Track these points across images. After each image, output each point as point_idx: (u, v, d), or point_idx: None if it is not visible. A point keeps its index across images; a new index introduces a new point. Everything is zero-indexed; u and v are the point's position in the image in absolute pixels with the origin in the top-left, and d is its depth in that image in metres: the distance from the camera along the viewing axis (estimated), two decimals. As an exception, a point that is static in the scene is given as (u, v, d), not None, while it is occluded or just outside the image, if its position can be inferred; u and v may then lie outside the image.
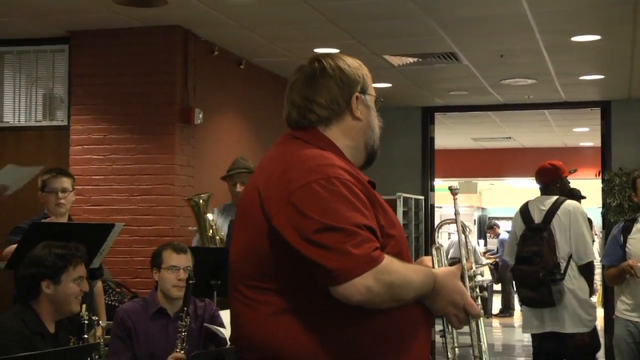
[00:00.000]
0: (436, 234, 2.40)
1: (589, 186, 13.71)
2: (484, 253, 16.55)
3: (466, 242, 2.28)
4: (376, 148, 2.26)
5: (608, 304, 9.38)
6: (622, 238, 5.35)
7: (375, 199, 2.07)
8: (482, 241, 20.16)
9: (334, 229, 1.92)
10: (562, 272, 5.29)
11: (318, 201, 1.96)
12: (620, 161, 9.58)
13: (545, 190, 5.58)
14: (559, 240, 5.35)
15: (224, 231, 5.37)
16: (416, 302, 2.06)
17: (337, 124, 2.19)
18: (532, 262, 5.30)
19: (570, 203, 5.48)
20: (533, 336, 5.58)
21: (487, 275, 15.95)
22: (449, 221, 2.41)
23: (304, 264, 1.96)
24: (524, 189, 21.02)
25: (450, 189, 2.33)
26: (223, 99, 7.47)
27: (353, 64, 2.25)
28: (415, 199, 10.18)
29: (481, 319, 2.14)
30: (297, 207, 1.96)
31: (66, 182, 4.71)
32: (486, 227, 19.78)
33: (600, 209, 10.07)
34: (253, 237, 2.06)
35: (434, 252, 2.23)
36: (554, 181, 5.57)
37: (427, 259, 2.26)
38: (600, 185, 10.00)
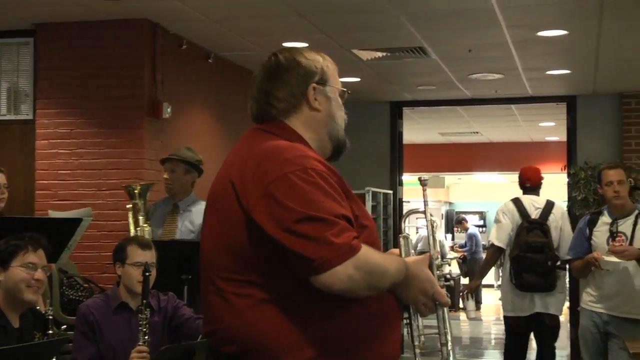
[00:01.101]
0: (403, 224, 2.49)
1: (555, 180, 13.86)
2: (452, 247, 16.68)
3: (433, 232, 2.32)
4: (342, 139, 2.27)
5: (573, 296, 9.48)
6: (588, 231, 5.43)
7: (349, 190, 2.11)
8: (449, 235, 20.29)
9: (314, 219, 1.95)
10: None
11: (296, 192, 1.98)
12: (586, 155, 9.68)
13: (533, 190, 6.37)
14: (553, 235, 6.11)
15: (157, 228, 5.32)
16: (388, 292, 2.10)
17: (296, 115, 2.21)
18: (542, 251, 6.02)
19: (560, 205, 6.37)
20: (516, 318, 6.16)
21: (455, 269, 16.08)
22: (416, 210, 2.45)
23: (283, 255, 1.97)
24: (491, 184, 21.19)
25: (420, 180, 2.36)
26: (192, 93, 7.44)
27: (311, 56, 2.26)
28: (383, 194, 10.22)
29: (446, 307, 2.19)
30: (275, 198, 1.98)
31: (4, 178, 4.67)
32: (454, 221, 19.92)
33: (566, 203, 10.17)
34: (229, 230, 2.07)
35: (401, 241, 2.27)
36: (540, 183, 6.43)
37: (396, 251, 2.29)
38: (566, 179, 10.11)
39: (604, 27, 6.78)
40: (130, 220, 5.23)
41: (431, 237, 2.29)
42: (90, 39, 6.69)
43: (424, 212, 2.35)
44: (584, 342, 5.48)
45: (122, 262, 3.98)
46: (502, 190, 21.80)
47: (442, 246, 14.37)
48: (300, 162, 2.03)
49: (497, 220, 6.30)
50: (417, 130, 13.30)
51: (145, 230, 5.22)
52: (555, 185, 8.74)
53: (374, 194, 9.82)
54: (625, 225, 5.28)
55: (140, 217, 5.24)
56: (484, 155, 15.60)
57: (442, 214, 22.32)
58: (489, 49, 7.60)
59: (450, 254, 15.81)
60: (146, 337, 3.69)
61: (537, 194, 6.37)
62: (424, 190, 2.34)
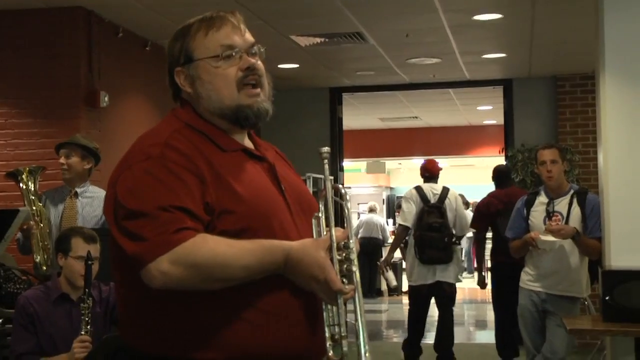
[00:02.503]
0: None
1: (493, 163, 14.01)
2: (393, 232, 16.79)
3: (344, 207, 2.05)
4: (231, 108, 2.08)
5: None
6: (525, 211, 5.53)
7: (214, 174, 1.97)
8: (390, 220, 20.43)
9: (136, 214, 1.90)
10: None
11: (128, 186, 1.95)
12: (523, 138, 9.84)
13: (432, 179, 7.59)
14: (449, 216, 7.26)
15: (53, 215, 5.27)
16: (279, 279, 1.95)
17: (187, 97, 2.14)
18: (440, 230, 7.19)
19: (454, 191, 7.53)
20: (421, 286, 7.26)
21: (398, 254, 16.20)
22: (312, 175, 2.37)
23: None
24: (431, 168, 21.37)
25: (319, 152, 2.09)
26: (129, 81, 7.36)
27: (179, 35, 2.13)
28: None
29: (357, 294, 1.93)
30: (116, 193, 1.98)
31: None
32: (395, 206, 20.06)
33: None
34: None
35: (313, 222, 2.05)
36: (438, 174, 7.66)
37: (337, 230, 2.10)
38: (504, 162, 10.25)
39: (538, 10, 6.89)
40: (33, 209, 5.15)
41: (332, 217, 2.00)
42: (24, 27, 6.57)
43: (325, 187, 2.05)
44: (523, 321, 5.60)
45: (65, 254, 3.91)
46: (442, 174, 22.07)
47: (383, 230, 14.49)
48: (146, 151, 1.99)
49: (402, 205, 7.57)
50: (356, 116, 13.36)
51: (43, 212, 5.15)
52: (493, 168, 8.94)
53: (315, 180, 9.84)
54: (561, 205, 5.39)
55: (33, 198, 5.17)
56: (424, 140, 15.73)
57: (384, 199, 22.47)
58: (426, 33, 7.66)
59: (392, 239, 15.93)
60: (88, 327, 3.65)
61: (435, 182, 7.57)
62: (325, 164, 2.07)
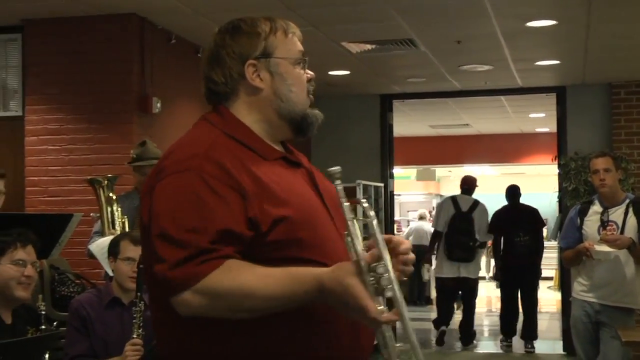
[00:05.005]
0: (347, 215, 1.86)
1: (546, 171, 13.86)
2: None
3: (370, 226, 1.83)
4: (299, 114, 2.03)
5: (565, 286, 9.51)
6: (578, 220, 5.44)
7: (258, 186, 1.87)
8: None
9: (166, 238, 1.81)
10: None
11: (165, 199, 1.85)
12: (576, 146, 9.69)
13: (467, 192, 9.56)
14: (476, 224, 9.17)
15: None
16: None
17: (238, 99, 2.03)
18: (468, 235, 9.11)
19: (482, 204, 9.44)
20: (445, 278, 9.33)
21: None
22: (362, 183, 2.25)
23: None
24: (481, 176, 21.16)
25: (329, 174, 1.87)
26: (181, 87, 7.42)
27: (251, 28, 2.03)
28: (375, 187, 10.22)
29: (403, 317, 1.75)
30: (153, 201, 1.88)
31: (3, 185, 4.57)
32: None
33: (557, 193, 10.19)
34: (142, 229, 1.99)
35: (347, 240, 1.83)
36: (474, 188, 9.63)
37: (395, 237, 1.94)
38: (557, 170, 10.12)
39: (593, 16, 6.78)
40: (116, 212, 5.21)
41: (354, 237, 1.80)
42: (79, 34, 6.67)
43: (342, 210, 1.85)
44: (576, 332, 5.50)
45: (115, 257, 3.95)
46: (493, 181, 21.79)
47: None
48: (187, 163, 1.86)
49: (436, 212, 9.68)
50: (407, 122, 13.30)
51: (125, 222, 5.21)
52: (545, 177, 8.95)
53: (365, 187, 9.82)
54: (616, 214, 5.29)
55: (114, 208, 5.23)
56: (475, 148, 15.60)
57: (433, 207, 22.28)
58: (478, 40, 7.60)
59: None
60: (140, 330, 3.67)
61: (470, 194, 9.51)
62: (337, 185, 1.87)
